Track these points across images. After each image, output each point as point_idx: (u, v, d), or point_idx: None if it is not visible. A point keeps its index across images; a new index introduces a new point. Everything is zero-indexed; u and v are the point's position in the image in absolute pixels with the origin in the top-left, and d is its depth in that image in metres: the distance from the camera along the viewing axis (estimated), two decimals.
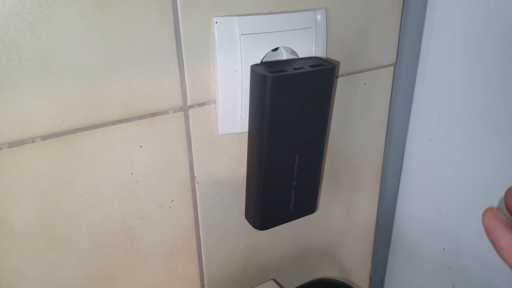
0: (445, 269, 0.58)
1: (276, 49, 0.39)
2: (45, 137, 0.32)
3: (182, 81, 0.36)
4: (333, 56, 0.44)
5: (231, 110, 0.39)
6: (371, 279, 0.67)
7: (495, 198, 0.50)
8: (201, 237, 0.44)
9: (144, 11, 0.33)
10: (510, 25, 0.43)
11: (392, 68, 0.51)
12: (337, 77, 0.46)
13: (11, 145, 0.31)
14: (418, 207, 0.59)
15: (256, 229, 0.43)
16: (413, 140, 0.57)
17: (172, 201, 0.40)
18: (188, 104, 0.38)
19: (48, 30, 0.30)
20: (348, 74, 0.47)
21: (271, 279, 0.52)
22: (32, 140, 0.32)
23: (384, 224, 0.63)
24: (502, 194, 0.48)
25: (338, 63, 0.45)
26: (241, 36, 0.36)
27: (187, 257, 0.44)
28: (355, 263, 0.63)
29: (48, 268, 0.36)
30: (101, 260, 0.39)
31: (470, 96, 0.49)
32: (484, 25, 0.46)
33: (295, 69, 0.36)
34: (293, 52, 0.40)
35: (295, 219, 0.44)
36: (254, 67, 0.37)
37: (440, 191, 0.56)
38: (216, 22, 0.36)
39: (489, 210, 0.25)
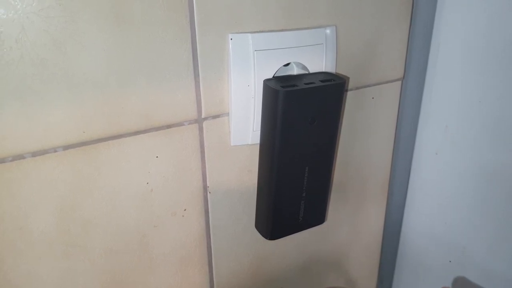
0: (451, 281, 0.58)
1: (287, 64, 0.40)
2: (66, 147, 0.33)
3: (198, 94, 0.38)
4: (342, 70, 0.46)
5: (243, 122, 0.40)
6: None
7: (500, 211, 0.50)
8: (212, 245, 0.45)
9: (162, 28, 0.34)
10: None
11: (399, 82, 0.52)
12: (346, 91, 0.47)
13: (34, 154, 0.32)
14: (424, 219, 0.60)
15: (266, 238, 0.44)
16: (420, 153, 0.58)
17: (185, 210, 0.41)
18: (203, 116, 0.39)
19: (72, 45, 0.31)
20: (357, 88, 0.48)
21: None
22: (54, 150, 0.33)
23: (391, 235, 0.63)
24: (507, 207, 0.49)
25: (348, 78, 0.46)
26: (255, 52, 0.38)
27: (198, 265, 0.45)
28: (362, 274, 0.63)
29: (64, 274, 0.37)
30: (114, 266, 0.39)
31: (476, 109, 0.50)
32: (489, 41, 0.47)
33: (306, 84, 0.38)
34: (304, 67, 0.41)
35: (304, 230, 0.45)
36: (266, 82, 0.38)
37: (446, 203, 0.56)
38: (231, 39, 0.37)
39: None
